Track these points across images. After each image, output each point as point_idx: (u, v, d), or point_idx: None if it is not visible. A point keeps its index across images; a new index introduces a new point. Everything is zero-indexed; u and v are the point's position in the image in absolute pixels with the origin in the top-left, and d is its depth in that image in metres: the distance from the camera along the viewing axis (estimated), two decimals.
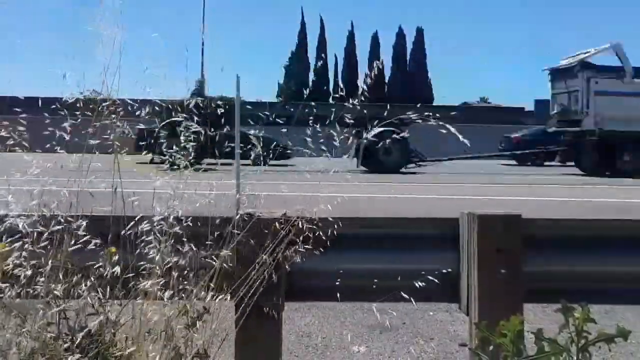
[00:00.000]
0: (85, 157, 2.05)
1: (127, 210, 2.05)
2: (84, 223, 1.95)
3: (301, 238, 2.14)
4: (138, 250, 1.99)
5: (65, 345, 1.87)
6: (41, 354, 1.85)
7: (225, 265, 2.05)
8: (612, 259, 2.33)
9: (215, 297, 2.01)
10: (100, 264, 1.96)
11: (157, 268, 1.95)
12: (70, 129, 2.02)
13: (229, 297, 2.06)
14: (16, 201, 1.95)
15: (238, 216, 2.13)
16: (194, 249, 2.02)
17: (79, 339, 1.87)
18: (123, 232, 2.00)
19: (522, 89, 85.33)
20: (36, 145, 2.08)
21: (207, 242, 2.07)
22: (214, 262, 2.05)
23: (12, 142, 2.00)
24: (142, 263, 1.98)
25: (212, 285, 2.03)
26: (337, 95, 2.12)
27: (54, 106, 2.04)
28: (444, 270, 2.26)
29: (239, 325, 2.09)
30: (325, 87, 45.53)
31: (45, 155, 2.11)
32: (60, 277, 1.91)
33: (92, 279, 1.92)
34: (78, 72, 2.01)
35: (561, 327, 1.52)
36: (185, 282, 1.99)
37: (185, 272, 2.01)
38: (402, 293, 2.15)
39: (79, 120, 2.04)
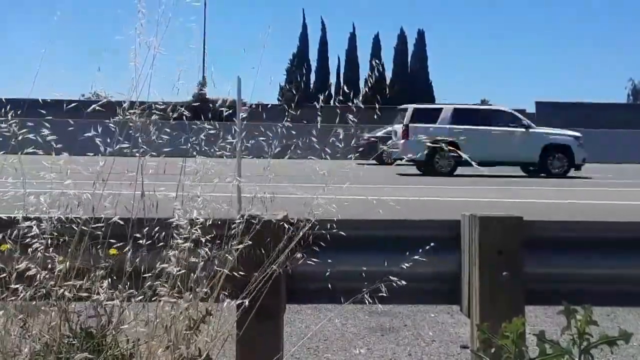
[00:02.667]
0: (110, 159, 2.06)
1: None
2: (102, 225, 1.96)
3: (303, 240, 2.14)
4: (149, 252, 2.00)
5: (68, 346, 1.87)
6: (43, 356, 1.85)
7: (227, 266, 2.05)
8: (613, 260, 2.32)
9: (217, 298, 2.02)
10: (109, 264, 1.97)
11: (176, 269, 1.96)
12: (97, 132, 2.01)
13: (230, 299, 2.06)
14: (35, 204, 1.96)
15: (240, 218, 2.13)
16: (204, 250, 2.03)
17: (80, 340, 1.87)
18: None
19: (523, 91, 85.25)
20: (65, 148, 2.08)
21: (209, 244, 2.07)
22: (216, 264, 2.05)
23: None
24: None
25: (215, 287, 2.03)
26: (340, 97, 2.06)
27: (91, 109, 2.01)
28: (445, 272, 2.26)
29: (241, 326, 2.10)
30: (326, 90, 45.62)
31: (73, 158, 2.11)
32: (70, 277, 1.91)
33: (100, 278, 1.92)
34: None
35: (563, 329, 1.52)
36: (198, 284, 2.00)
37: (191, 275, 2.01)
38: (403, 295, 2.15)
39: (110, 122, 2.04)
